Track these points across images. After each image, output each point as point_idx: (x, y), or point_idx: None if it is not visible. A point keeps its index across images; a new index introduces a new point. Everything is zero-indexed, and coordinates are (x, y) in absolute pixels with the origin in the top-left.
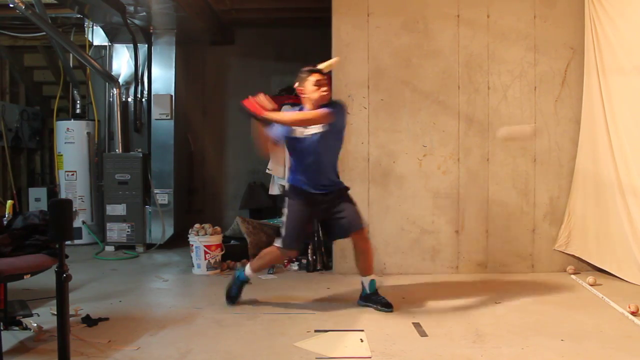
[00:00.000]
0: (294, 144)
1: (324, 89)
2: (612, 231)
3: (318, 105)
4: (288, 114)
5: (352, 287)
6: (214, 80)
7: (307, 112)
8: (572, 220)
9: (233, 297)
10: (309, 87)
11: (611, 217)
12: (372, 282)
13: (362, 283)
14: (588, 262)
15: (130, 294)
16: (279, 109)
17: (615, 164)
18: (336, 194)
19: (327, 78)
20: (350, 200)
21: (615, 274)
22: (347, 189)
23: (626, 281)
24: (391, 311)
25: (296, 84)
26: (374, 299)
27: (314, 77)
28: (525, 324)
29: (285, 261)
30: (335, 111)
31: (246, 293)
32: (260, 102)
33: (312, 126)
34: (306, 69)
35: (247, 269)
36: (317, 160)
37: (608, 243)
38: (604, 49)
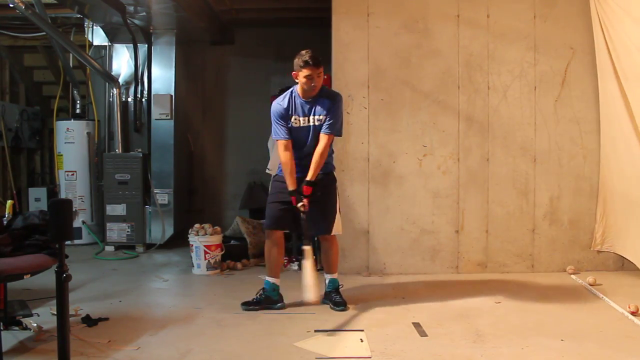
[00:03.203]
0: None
1: (314, 84)
2: None
3: (308, 95)
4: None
5: (352, 287)
6: (214, 80)
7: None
8: (605, 220)
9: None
10: (300, 77)
11: None
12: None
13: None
14: (625, 259)
15: (130, 294)
16: None
17: None
18: None
19: (320, 72)
20: None
21: None
22: None
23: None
24: (344, 309)
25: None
26: (329, 297)
27: (306, 71)
28: (525, 324)
29: (286, 261)
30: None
31: (246, 294)
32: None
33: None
34: (303, 57)
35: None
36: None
37: None
38: (620, 52)
